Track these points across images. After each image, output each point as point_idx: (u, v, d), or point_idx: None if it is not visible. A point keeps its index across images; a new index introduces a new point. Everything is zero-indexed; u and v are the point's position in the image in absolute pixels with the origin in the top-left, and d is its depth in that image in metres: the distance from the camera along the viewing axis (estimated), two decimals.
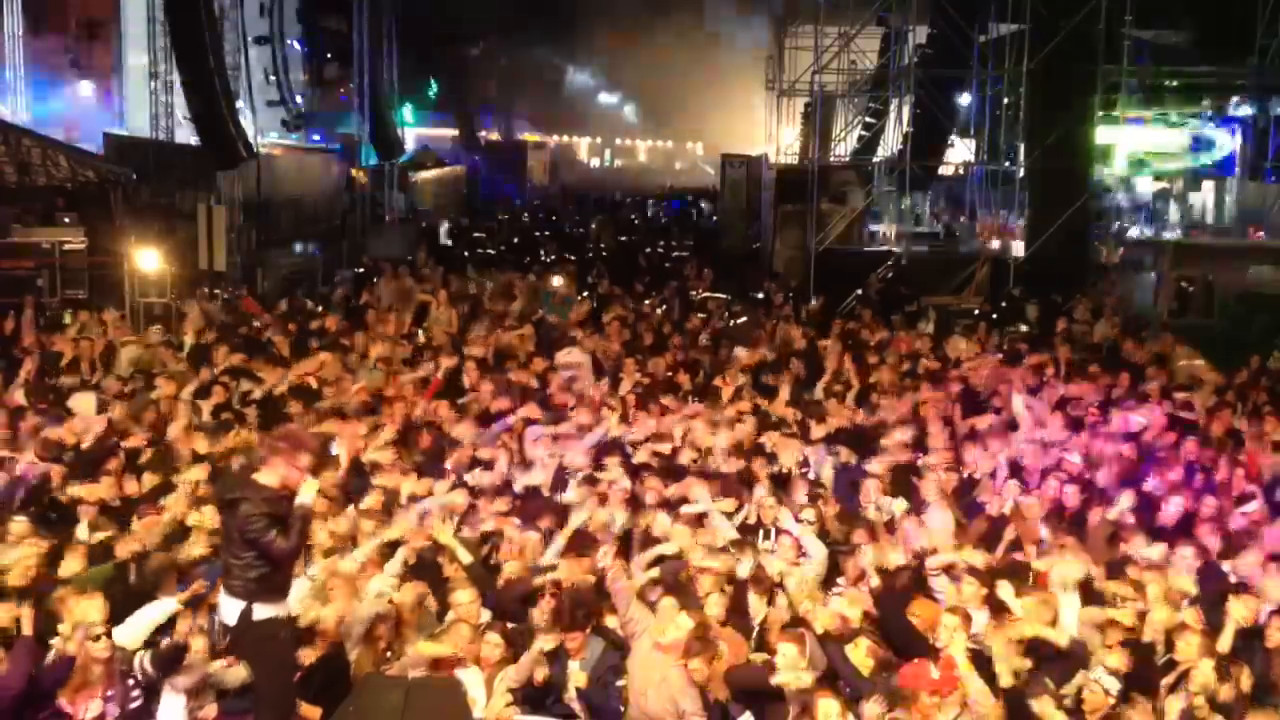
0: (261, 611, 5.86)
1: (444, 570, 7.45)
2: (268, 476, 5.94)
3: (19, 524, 7.63)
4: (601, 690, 6.53)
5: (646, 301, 18.56)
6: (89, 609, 6.22)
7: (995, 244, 24.23)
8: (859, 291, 21.31)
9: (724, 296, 20.03)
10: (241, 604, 5.84)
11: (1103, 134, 22.99)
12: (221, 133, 20.40)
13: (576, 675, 6.57)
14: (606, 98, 68.17)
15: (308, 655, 6.50)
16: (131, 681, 6.07)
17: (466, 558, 7.37)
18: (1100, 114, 22.55)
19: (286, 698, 6.10)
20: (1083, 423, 11.19)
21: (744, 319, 16.92)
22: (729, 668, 6.39)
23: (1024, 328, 17.31)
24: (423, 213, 36.64)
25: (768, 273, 24.00)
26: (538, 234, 33.30)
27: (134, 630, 6.27)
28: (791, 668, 6.08)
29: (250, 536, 5.77)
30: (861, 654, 6.34)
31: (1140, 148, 24.24)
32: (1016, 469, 9.89)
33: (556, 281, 18.85)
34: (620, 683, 6.49)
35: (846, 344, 14.55)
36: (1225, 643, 6.66)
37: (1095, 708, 6.13)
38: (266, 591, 5.88)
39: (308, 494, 5.96)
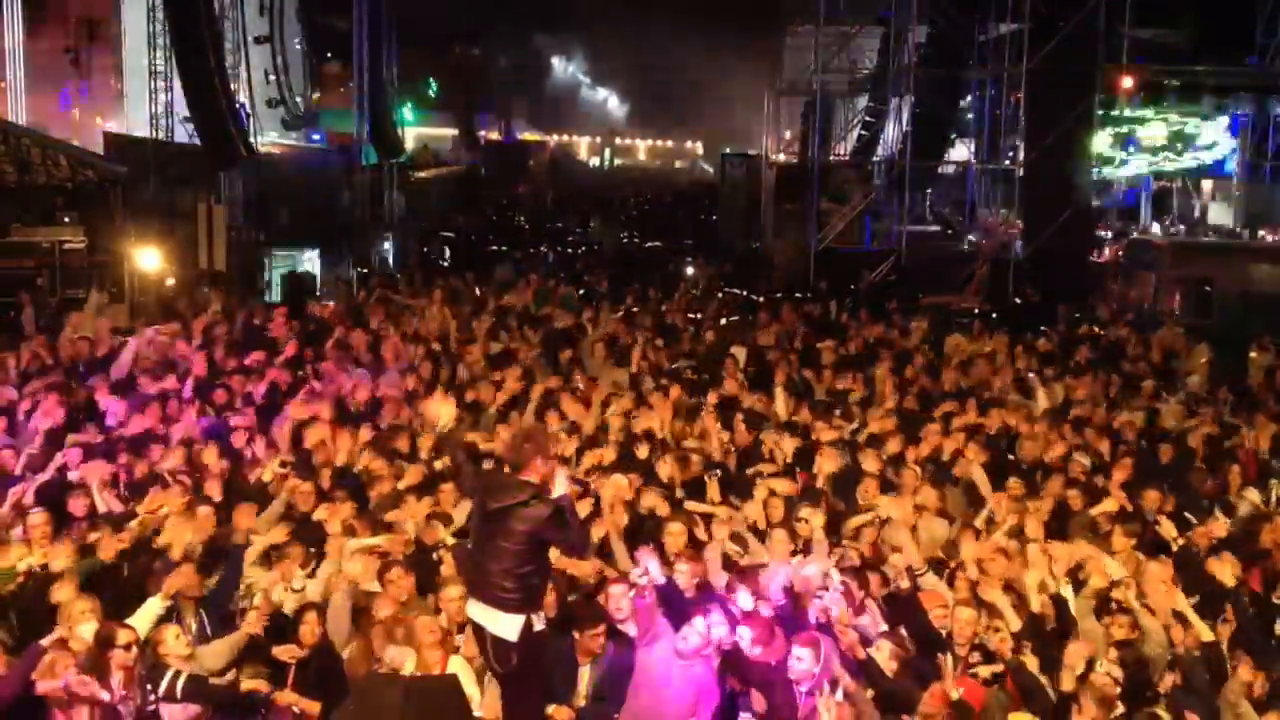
0: (538, 623, 5.83)
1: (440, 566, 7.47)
2: (529, 477, 5.82)
3: (37, 516, 7.63)
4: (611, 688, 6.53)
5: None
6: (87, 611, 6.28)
7: (995, 244, 24.24)
8: (852, 287, 21.36)
9: (739, 292, 20.16)
10: (519, 618, 5.72)
11: (1101, 133, 23.00)
12: (221, 133, 20.38)
13: (585, 680, 6.55)
14: (606, 97, 68.20)
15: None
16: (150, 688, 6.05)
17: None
18: (1100, 114, 22.57)
19: (543, 706, 6.15)
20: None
21: (736, 318, 16.93)
22: (747, 662, 6.40)
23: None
24: (421, 213, 36.67)
25: (765, 273, 24.06)
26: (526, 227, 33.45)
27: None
28: (804, 674, 6.09)
29: (549, 539, 5.73)
30: (885, 656, 6.31)
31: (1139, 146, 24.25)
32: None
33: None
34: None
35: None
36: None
37: (1104, 695, 6.12)
38: (536, 602, 5.83)
39: (563, 486, 5.90)
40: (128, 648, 5.96)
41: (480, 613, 5.84)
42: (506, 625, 5.74)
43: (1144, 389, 12.57)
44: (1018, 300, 20.10)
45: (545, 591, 5.95)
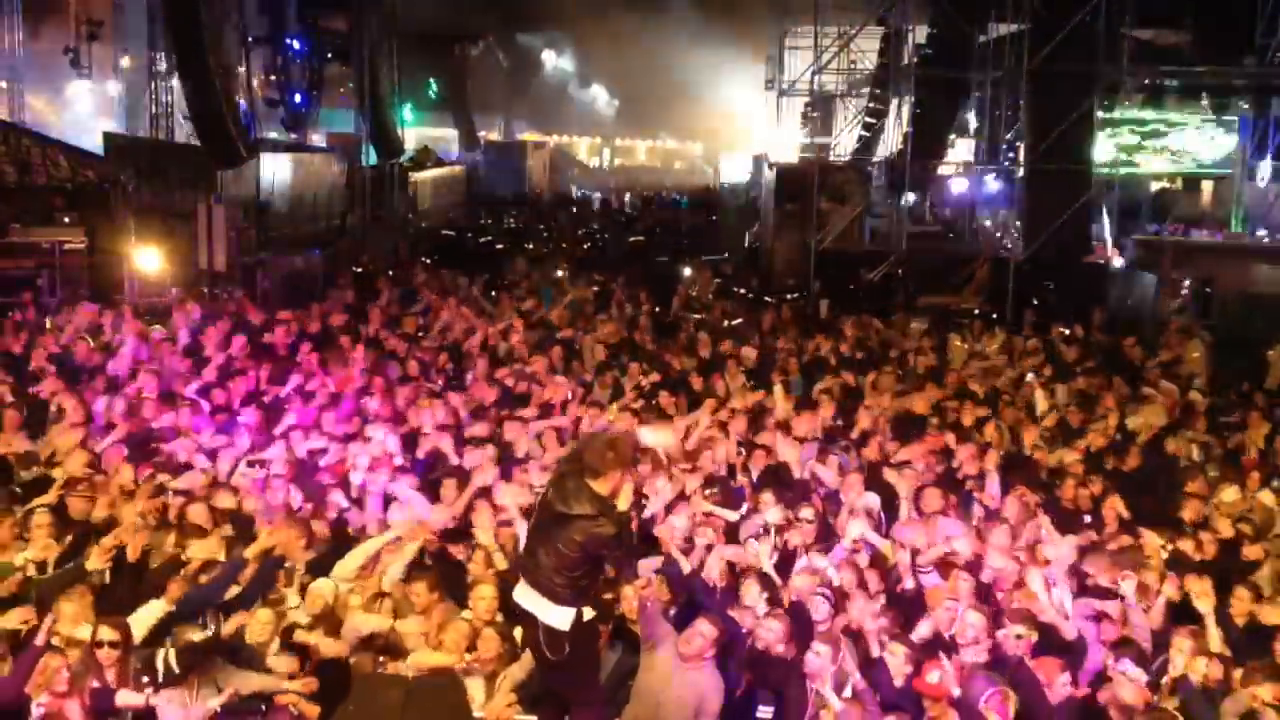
0: (588, 614, 5.87)
1: (466, 568, 7.52)
2: (602, 486, 5.74)
3: (42, 515, 7.60)
4: (612, 691, 6.51)
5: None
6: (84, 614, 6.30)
7: (995, 244, 24.25)
8: (851, 287, 21.42)
9: (742, 291, 20.21)
10: (570, 610, 5.73)
11: (1102, 134, 22.98)
12: (221, 133, 20.37)
13: None
14: (605, 99, 68.20)
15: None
16: (146, 680, 6.02)
17: (502, 563, 7.42)
18: (1100, 114, 22.55)
19: (600, 693, 6.19)
20: None
21: (740, 320, 16.94)
22: (757, 655, 6.41)
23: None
24: (422, 213, 36.70)
25: (765, 272, 24.11)
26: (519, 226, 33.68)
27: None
28: (820, 669, 6.09)
29: (599, 554, 5.74)
30: (899, 661, 6.29)
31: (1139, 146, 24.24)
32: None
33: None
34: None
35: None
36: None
37: (1131, 698, 6.10)
38: (587, 595, 5.86)
39: (627, 500, 5.82)
40: (114, 645, 5.97)
41: (532, 601, 5.78)
42: (559, 616, 5.73)
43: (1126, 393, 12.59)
44: (1035, 301, 19.99)
45: (596, 589, 5.97)
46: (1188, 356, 14.39)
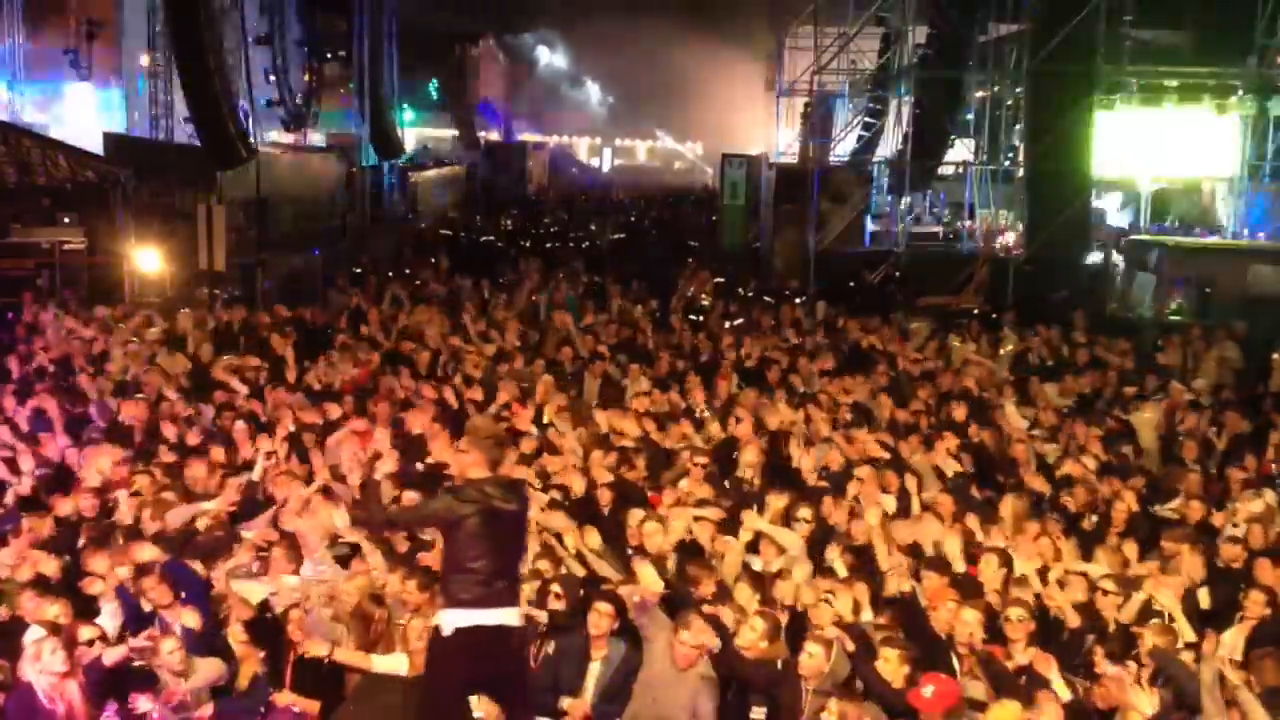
0: None
1: None
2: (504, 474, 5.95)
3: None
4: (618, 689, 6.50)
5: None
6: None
7: (995, 244, 24.23)
8: (851, 285, 21.41)
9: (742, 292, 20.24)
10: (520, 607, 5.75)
11: (1102, 133, 22.91)
12: (221, 133, 20.36)
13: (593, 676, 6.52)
14: (598, 95, 68.17)
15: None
16: None
17: None
18: (1100, 113, 22.53)
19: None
20: None
21: (741, 320, 16.92)
22: (751, 661, 6.41)
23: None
24: (422, 213, 36.71)
25: (764, 273, 24.10)
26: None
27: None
28: (815, 670, 6.09)
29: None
30: (895, 664, 6.22)
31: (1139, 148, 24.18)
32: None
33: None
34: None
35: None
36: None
37: (1108, 698, 6.12)
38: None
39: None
40: (91, 644, 6.02)
41: (498, 616, 5.53)
42: (516, 616, 5.64)
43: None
44: (1037, 300, 19.93)
45: None
46: (1205, 364, 14.33)
